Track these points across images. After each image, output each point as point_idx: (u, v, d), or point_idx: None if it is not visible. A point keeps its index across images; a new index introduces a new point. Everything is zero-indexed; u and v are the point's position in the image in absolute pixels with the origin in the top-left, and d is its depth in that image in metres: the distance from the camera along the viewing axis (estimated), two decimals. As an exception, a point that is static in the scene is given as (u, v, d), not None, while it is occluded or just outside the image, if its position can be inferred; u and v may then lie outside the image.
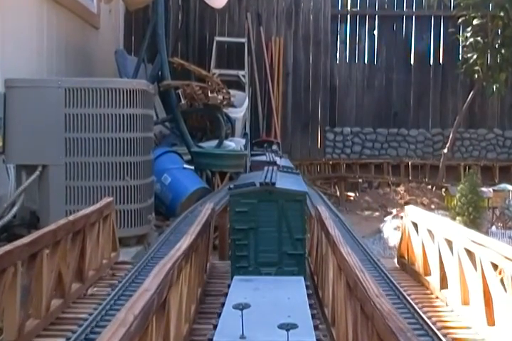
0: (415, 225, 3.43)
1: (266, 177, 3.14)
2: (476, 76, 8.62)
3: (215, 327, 2.03)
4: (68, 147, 4.28)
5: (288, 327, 1.77)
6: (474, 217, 5.91)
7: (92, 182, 4.31)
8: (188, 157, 6.40)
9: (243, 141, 7.43)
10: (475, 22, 8.30)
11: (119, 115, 4.35)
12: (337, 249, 2.43)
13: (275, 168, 3.71)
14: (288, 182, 3.26)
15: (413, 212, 3.51)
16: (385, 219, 6.89)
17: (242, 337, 1.89)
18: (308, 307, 2.24)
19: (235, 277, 2.78)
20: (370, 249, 3.45)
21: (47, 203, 4.27)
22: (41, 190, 4.28)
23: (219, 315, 2.15)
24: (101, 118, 4.31)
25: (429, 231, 3.20)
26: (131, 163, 4.41)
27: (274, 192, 2.98)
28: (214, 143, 6.84)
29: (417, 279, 3.36)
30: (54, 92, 4.26)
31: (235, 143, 7.01)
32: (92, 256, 3.15)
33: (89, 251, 3.09)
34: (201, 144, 6.87)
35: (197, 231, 2.68)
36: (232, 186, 3.22)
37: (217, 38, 9.27)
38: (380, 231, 6.48)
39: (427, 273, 3.24)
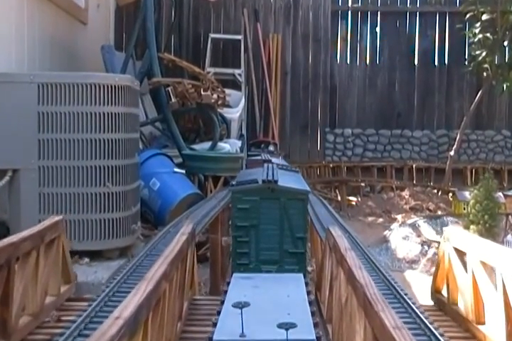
0: (458, 252, 2.73)
1: (267, 174, 3.04)
2: (485, 74, 8.19)
3: (215, 325, 2.00)
4: (42, 149, 3.84)
5: (287, 326, 1.76)
6: (490, 225, 5.44)
7: (69, 188, 3.87)
8: (179, 160, 5.99)
9: (239, 143, 7.02)
10: (484, 17, 7.86)
11: (100, 113, 3.91)
12: (373, 310, 1.72)
13: (275, 165, 3.53)
14: (290, 181, 3.17)
15: (457, 236, 2.77)
16: (392, 227, 6.44)
17: (242, 335, 1.89)
18: (307, 304, 2.23)
19: (235, 274, 2.76)
20: (378, 261, 2.94)
21: (18, 212, 3.83)
22: (11, 197, 3.85)
23: (218, 313, 2.13)
24: (79, 117, 3.86)
25: (484, 264, 2.48)
26: (113, 167, 3.97)
27: (276, 190, 2.96)
28: (207, 145, 6.43)
29: (464, 326, 2.65)
30: (25, 88, 3.81)
31: (230, 145, 6.60)
32: (25, 297, 2.43)
33: (18, 292, 2.35)
34: (194, 146, 6.45)
35: (158, 275, 1.96)
36: (234, 182, 3.20)
37: (212, 35, 8.85)
38: (386, 240, 6.04)
39: (480, 320, 2.53)
